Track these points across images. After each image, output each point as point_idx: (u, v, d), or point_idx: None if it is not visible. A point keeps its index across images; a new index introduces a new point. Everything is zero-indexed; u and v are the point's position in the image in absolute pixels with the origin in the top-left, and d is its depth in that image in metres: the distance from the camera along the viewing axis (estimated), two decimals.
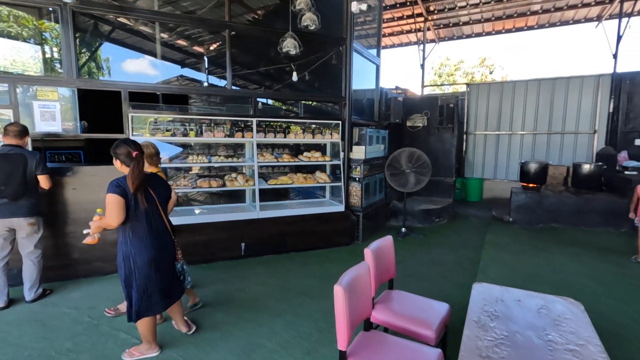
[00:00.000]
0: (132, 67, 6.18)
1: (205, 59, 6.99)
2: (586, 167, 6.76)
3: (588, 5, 9.22)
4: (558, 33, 41.75)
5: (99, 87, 4.22)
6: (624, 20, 8.05)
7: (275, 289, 3.80)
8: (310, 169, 5.94)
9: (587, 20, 10.14)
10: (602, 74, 8.03)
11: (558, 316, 2.16)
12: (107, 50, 5.83)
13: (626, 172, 6.68)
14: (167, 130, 4.69)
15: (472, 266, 4.56)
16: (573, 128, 8.38)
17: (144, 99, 4.80)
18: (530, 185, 7.04)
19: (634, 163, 6.94)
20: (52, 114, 3.91)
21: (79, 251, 3.97)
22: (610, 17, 9.38)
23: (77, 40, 4.16)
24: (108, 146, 4.40)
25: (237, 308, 3.36)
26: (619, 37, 8.07)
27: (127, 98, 4.20)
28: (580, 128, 8.32)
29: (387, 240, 2.73)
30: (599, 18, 9.77)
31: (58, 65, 4.58)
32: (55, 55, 4.63)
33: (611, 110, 7.90)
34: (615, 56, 8.09)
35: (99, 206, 4.01)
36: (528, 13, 9.94)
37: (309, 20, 4.47)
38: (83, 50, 5.28)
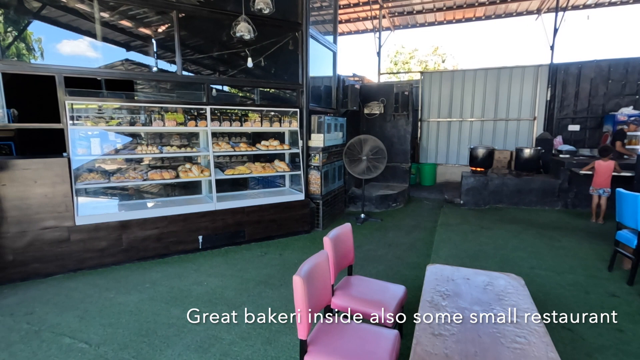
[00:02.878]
0: (70, 50, 5.60)
1: (154, 41, 6.53)
2: (526, 152, 7.30)
3: None
4: (503, 24, 44.31)
5: (28, 71, 3.79)
6: (560, 14, 8.67)
7: (234, 280, 3.73)
8: (268, 158, 5.84)
9: (529, 12, 10.81)
10: (541, 65, 8.65)
11: (501, 291, 2.33)
12: (40, 30, 5.23)
13: (560, 155, 7.33)
14: (113, 119, 4.36)
15: (426, 247, 4.79)
16: (516, 115, 8.99)
17: (87, 84, 4.40)
18: (478, 169, 7.49)
19: (567, 147, 7.63)
20: None
21: (13, 253, 3.62)
22: (549, 10, 10.06)
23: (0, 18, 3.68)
24: (44, 136, 3.98)
25: (194, 302, 3.26)
26: (556, 30, 8.70)
27: (62, 83, 3.83)
28: (522, 115, 8.94)
29: (345, 228, 2.76)
30: (538, 11, 10.45)
31: None
32: None
33: (548, 99, 8.56)
34: (552, 48, 8.72)
35: (32, 203, 3.70)
36: (476, 4, 10.37)
37: (263, 3, 4.32)
38: (9, 29, 4.71)
